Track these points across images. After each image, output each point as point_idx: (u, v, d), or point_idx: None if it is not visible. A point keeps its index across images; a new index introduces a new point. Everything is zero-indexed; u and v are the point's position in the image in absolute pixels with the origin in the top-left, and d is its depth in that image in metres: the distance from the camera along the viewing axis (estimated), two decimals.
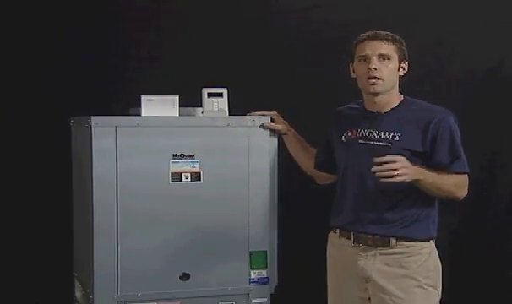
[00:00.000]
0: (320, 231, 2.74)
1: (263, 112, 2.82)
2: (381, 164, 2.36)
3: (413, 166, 2.41)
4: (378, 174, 2.37)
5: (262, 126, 2.79)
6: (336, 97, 2.87)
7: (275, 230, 2.85)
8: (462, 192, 2.53)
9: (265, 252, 2.82)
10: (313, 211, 3.11)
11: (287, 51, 3.48)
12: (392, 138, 2.51)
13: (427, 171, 2.45)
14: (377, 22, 2.90)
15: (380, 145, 2.51)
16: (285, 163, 2.88)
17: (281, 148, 2.88)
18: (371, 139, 2.54)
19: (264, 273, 2.82)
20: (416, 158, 2.48)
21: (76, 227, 3.08)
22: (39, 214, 3.50)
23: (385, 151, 2.47)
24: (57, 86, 3.47)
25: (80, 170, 2.91)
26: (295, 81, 3.45)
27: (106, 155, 2.65)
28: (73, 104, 3.31)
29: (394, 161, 2.37)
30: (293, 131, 2.85)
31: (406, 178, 2.38)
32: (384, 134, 2.52)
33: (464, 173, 2.52)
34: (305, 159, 2.84)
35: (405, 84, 2.63)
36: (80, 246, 2.98)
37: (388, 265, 2.51)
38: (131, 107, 2.92)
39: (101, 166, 2.65)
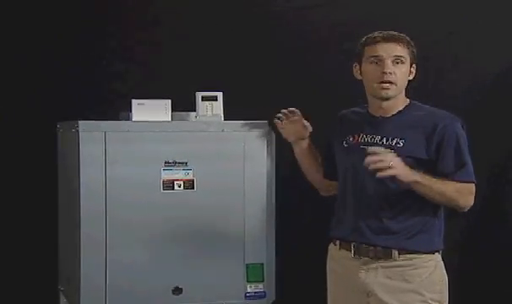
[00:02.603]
0: (321, 242, 2.73)
1: (289, 110, 2.76)
2: (374, 157, 2.38)
3: (407, 167, 2.41)
4: (371, 166, 2.37)
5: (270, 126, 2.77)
6: (337, 99, 2.87)
7: (273, 242, 2.86)
8: (466, 201, 2.51)
9: (262, 264, 2.83)
10: (313, 221, 3.12)
11: (286, 52, 3.48)
12: (395, 145, 2.50)
13: (423, 175, 2.44)
14: (379, 22, 2.89)
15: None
16: (283, 170, 2.89)
17: (279, 154, 2.88)
18: (372, 145, 2.52)
19: (261, 286, 2.83)
20: (420, 166, 2.46)
21: (62, 238, 3.08)
22: (22, 224, 3.49)
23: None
24: (43, 89, 3.47)
25: (67, 177, 2.91)
26: (293, 83, 3.45)
27: (95, 162, 2.66)
28: (59, 108, 3.31)
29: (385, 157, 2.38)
30: (308, 141, 2.77)
31: (400, 173, 2.37)
32: (387, 140, 2.52)
33: (469, 182, 2.51)
34: (316, 172, 2.77)
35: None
36: (66, 258, 2.97)
37: (390, 278, 2.51)
38: (121, 112, 2.92)
39: (89, 174, 2.65)
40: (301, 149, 2.78)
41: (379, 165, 2.37)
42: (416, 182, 2.42)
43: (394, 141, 2.51)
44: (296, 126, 2.76)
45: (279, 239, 2.87)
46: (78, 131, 2.66)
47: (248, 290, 2.81)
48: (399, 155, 2.45)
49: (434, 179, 2.45)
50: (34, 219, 3.46)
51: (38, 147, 3.36)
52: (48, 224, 3.19)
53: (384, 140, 2.52)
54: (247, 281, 2.81)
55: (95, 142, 2.66)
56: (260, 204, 2.82)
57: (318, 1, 3.50)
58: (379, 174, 2.38)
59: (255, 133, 2.82)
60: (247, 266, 2.81)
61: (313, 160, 2.79)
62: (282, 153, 2.90)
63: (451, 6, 3.44)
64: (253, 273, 2.81)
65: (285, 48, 3.46)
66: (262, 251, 2.82)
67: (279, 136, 2.90)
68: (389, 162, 2.37)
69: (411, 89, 2.63)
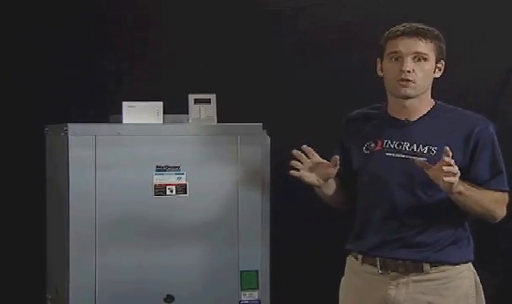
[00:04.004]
0: (318, 248, 2.73)
1: (300, 154, 2.40)
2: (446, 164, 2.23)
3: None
4: (446, 168, 2.22)
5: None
6: (334, 101, 2.86)
7: (268, 248, 2.85)
8: (501, 211, 2.42)
9: (257, 271, 2.82)
10: (309, 226, 3.12)
11: (281, 53, 3.48)
12: (428, 152, 2.37)
13: (464, 184, 2.32)
14: (382, 21, 2.88)
15: (414, 160, 2.35)
16: (278, 174, 2.89)
17: (274, 157, 2.89)
18: (401, 152, 2.40)
19: (256, 294, 2.82)
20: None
21: (50, 244, 3.07)
22: (9, 230, 3.48)
23: (420, 167, 2.31)
24: (31, 90, 3.46)
25: (56, 182, 2.90)
26: (289, 85, 3.45)
27: (84, 166, 2.65)
28: (48, 110, 3.31)
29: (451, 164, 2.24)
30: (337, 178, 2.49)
31: (455, 181, 2.25)
32: (418, 147, 2.39)
33: (504, 191, 2.42)
34: (345, 201, 2.58)
35: None
36: (55, 265, 2.96)
37: (423, 294, 2.39)
38: (111, 114, 2.92)
39: (79, 178, 2.65)
40: (329, 189, 2.50)
41: (453, 170, 2.23)
42: (460, 193, 2.31)
43: (426, 148, 2.39)
44: (318, 169, 2.44)
45: (274, 245, 2.87)
46: (67, 134, 2.65)
47: (242, 298, 2.81)
48: (433, 163, 2.31)
49: (473, 188, 2.34)
50: (21, 226, 3.45)
51: (26, 151, 3.35)
52: (36, 230, 3.17)
53: (415, 147, 2.40)
54: (242, 289, 2.80)
55: (84, 145, 2.65)
56: (255, 209, 2.81)
57: (316, 0, 3.51)
58: (447, 179, 2.23)
59: (249, 136, 2.82)
60: (242, 273, 2.80)
61: (343, 192, 2.55)
62: (277, 156, 2.90)
63: (463, 4, 3.44)
64: (248, 280, 2.81)
65: (280, 49, 3.46)
66: (256, 257, 2.82)
67: (274, 139, 2.91)
68: (456, 169, 2.24)
69: None
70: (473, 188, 2.35)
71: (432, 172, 2.29)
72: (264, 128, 2.86)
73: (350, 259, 2.54)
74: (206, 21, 3.49)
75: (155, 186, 2.72)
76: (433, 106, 2.47)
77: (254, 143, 2.82)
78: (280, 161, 2.89)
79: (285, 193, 2.94)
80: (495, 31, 3.44)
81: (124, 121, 2.77)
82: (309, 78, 3.43)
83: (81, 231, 2.66)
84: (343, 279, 2.57)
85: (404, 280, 2.40)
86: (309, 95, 3.39)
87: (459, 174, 2.26)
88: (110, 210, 2.68)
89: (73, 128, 2.66)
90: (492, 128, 2.43)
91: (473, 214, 2.41)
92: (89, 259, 2.66)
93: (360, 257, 2.48)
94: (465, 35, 3.45)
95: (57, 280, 2.90)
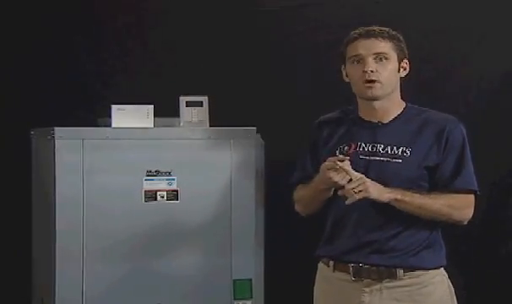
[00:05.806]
0: (313, 257, 2.73)
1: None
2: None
3: (379, 186, 2.37)
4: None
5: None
6: (329, 102, 2.86)
7: (262, 256, 2.86)
8: (462, 215, 2.47)
9: (250, 280, 2.83)
10: (306, 233, 3.09)
11: (275, 55, 3.48)
12: (402, 154, 2.43)
13: (405, 191, 2.38)
14: (381, 21, 2.88)
15: (388, 162, 2.43)
16: (272, 180, 2.88)
17: (269, 162, 2.88)
18: (375, 155, 2.45)
19: None
20: (431, 175, 2.42)
21: (36, 253, 3.06)
22: None
23: (395, 169, 2.40)
24: (17, 93, 3.45)
25: (42, 188, 2.90)
26: (284, 87, 3.44)
27: (71, 171, 2.65)
28: (33, 113, 3.29)
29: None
30: None
31: (371, 193, 2.34)
32: (392, 149, 2.45)
33: (468, 191, 2.46)
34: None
35: (410, 89, 2.61)
36: (40, 275, 2.95)
37: (397, 300, 2.44)
38: (99, 117, 2.91)
39: (66, 184, 2.65)
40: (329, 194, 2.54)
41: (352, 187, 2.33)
42: (396, 200, 2.38)
43: (400, 150, 2.44)
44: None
45: (268, 253, 2.86)
46: (53, 138, 2.65)
47: None
48: (408, 165, 2.40)
49: (419, 194, 2.40)
50: (6, 232, 3.42)
51: (10, 155, 3.33)
52: (21, 237, 3.16)
53: (389, 149, 2.45)
54: (235, 298, 2.81)
55: (72, 150, 2.65)
56: (248, 216, 2.82)
57: (314, 0, 3.50)
58: (348, 201, 2.34)
59: (243, 140, 2.82)
60: (235, 282, 2.80)
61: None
62: (272, 161, 2.89)
63: (461, 4, 3.45)
64: (241, 289, 2.81)
65: (276, 50, 3.46)
66: (250, 265, 2.82)
67: (268, 143, 2.90)
68: (357, 185, 2.33)
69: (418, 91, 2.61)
70: (418, 195, 2.40)
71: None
72: (257, 132, 2.86)
73: (321, 266, 2.58)
74: (199, 21, 3.48)
75: (146, 191, 2.72)
76: (405, 108, 2.53)
77: (248, 147, 2.83)
78: (274, 166, 2.89)
79: (282, 199, 2.92)
80: (495, 31, 3.44)
81: (113, 124, 2.77)
82: (306, 80, 3.43)
83: (68, 239, 2.66)
84: (315, 287, 2.60)
85: (377, 287, 2.45)
86: (305, 98, 3.38)
87: (368, 187, 2.34)
88: (98, 217, 2.68)
89: (59, 132, 2.66)
90: (462, 128, 2.49)
91: (431, 219, 2.45)
92: (77, 268, 2.66)
93: (331, 263, 2.52)
94: (465, 35, 3.45)
95: (42, 290, 2.89)
